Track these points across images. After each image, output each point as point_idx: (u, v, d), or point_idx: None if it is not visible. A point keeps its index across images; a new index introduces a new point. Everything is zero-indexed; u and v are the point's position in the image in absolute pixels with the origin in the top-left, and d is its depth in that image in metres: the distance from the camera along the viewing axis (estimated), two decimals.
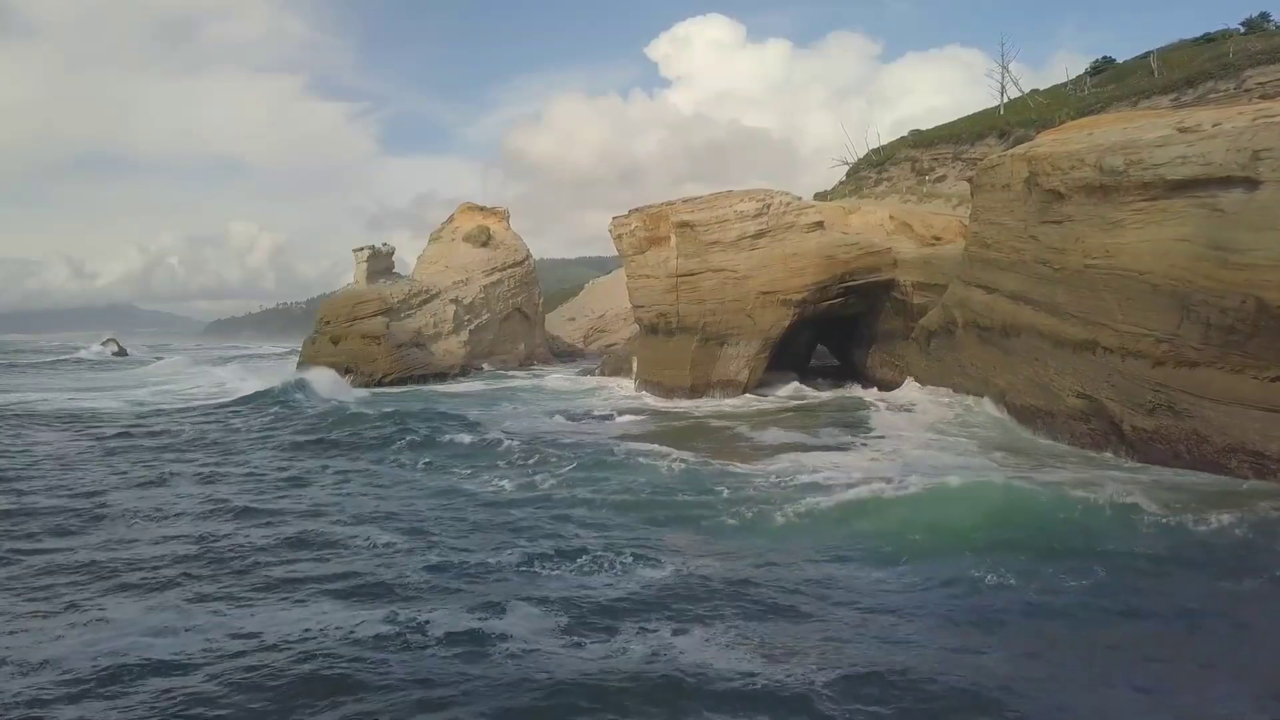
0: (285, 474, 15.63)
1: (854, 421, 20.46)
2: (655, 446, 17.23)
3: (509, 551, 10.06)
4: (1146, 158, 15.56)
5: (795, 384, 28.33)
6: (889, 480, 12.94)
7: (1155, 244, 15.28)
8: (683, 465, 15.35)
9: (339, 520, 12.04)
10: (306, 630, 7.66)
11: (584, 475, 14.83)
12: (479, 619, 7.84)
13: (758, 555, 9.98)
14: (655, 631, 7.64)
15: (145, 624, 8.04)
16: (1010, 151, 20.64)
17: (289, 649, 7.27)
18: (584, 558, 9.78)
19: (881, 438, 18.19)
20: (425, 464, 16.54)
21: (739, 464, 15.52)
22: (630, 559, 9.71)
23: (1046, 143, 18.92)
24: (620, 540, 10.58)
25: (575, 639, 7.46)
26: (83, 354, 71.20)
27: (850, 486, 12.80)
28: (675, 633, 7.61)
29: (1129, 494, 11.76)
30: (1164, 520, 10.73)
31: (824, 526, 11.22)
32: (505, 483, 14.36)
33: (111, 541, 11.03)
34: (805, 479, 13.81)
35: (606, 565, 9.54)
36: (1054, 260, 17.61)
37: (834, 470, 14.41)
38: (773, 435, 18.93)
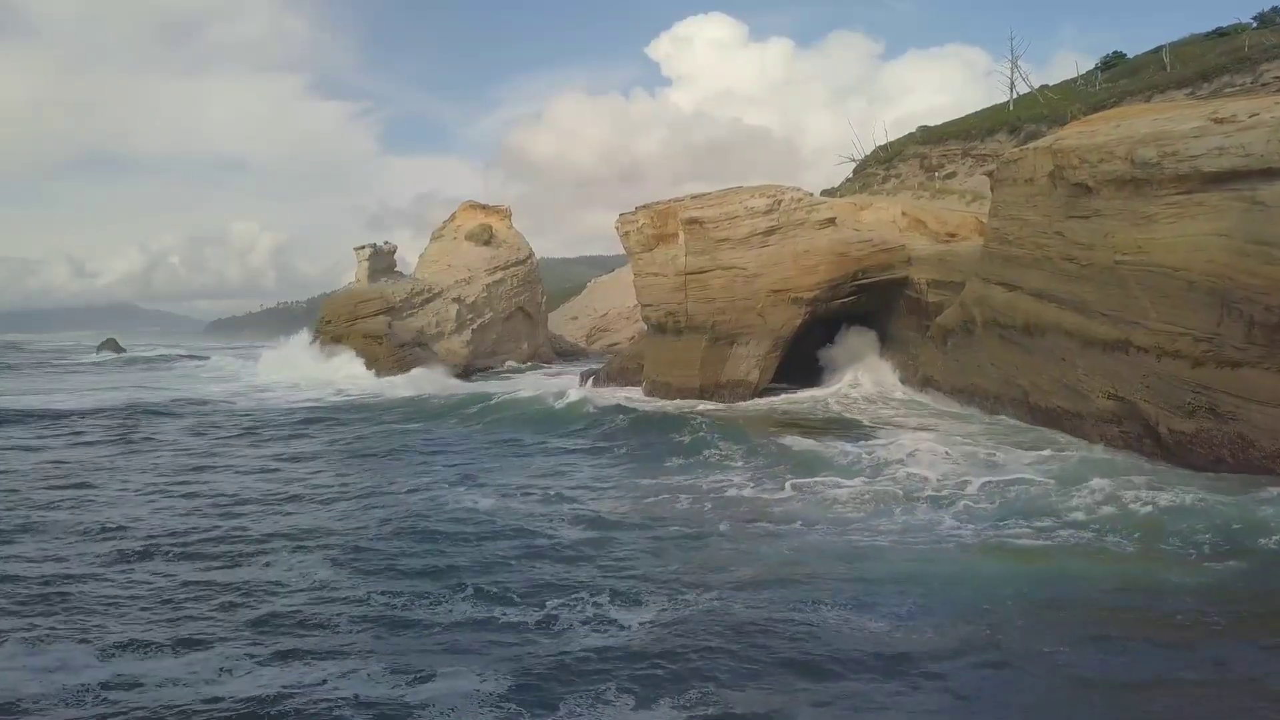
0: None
1: (868, 431, 19.32)
2: (655, 458, 16.40)
3: (463, 590, 8.91)
4: (1181, 149, 14.95)
5: (803, 385, 27.69)
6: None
7: (1191, 239, 14.68)
8: (683, 481, 14.29)
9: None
10: (200, 686, 6.78)
11: (569, 494, 13.83)
12: (402, 683, 6.72)
13: (756, 597, 8.74)
14: (611, 704, 6.50)
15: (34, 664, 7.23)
16: (1033, 145, 20.02)
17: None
18: (552, 598, 8.57)
19: (903, 449, 16.81)
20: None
21: (746, 481, 14.41)
22: (604, 599, 8.53)
23: (1072, 135, 18.29)
24: (596, 576, 9.41)
25: (508, 712, 6.37)
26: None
27: (874, 512, 11.78)
28: (638, 705, 6.49)
29: None
30: None
31: (832, 561, 9.89)
32: (482, 499, 13.22)
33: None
34: (818, 501, 12.82)
35: (573, 608, 8.32)
36: (1081, 256, 16.99)
37: (849, 490, 13.40)
38: (788, 442, 18.17)
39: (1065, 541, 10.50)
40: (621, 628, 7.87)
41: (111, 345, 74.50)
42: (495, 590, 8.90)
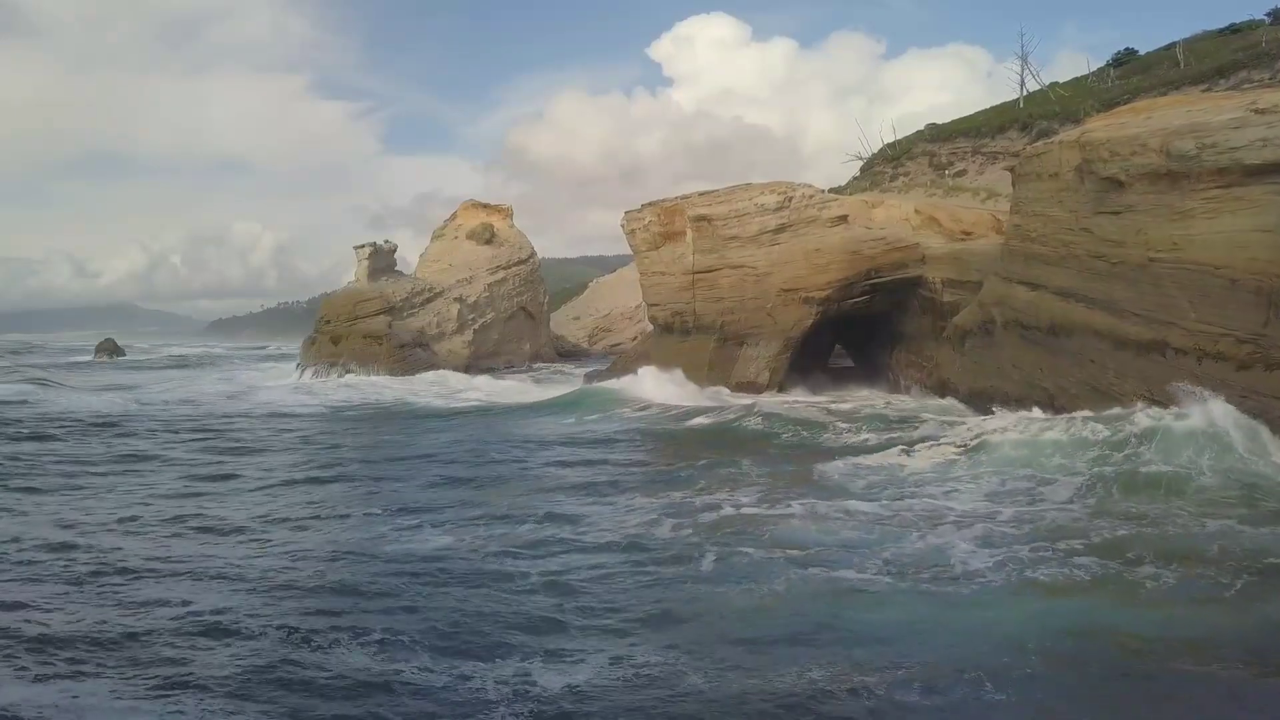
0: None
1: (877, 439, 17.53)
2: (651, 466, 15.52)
3: (367, 635, 7.50)
4: (1221, 141, 14.24)
5: (812, 387, 26.94)
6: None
7: (1231, 235, 13.98)
8: (675, 497, 12.99)
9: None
10: None
11: (547, 516, 12.01)
12: None
13: (725, 656, 7.17)
14: None
15: None
16: (1058, 138, 19.33)
17: None
18: (472, 654, 7.09)
19: (917, 460, 15.12)
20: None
21: (744, 499, 12.79)
22: (534, 660, 7.01)
23: (1101, 127, 17.58)
24: (535, 623, 7.89)
25: None
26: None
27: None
28: None
29: None
30: None
31: (826, 603, 8.29)
32: (440, 536, 11.18)
33: None
34: (818, 519, 11.27)
35: (493, 668, 6.82)
36: (1111, 254, 16.29)
37: (850, 508, 11.74)
38: (794, 450, 17.31)
39: (1097, 573, 8.91)
40: (546, 697, 6.43)
41: (109, 346, 73.38)
42: (406, 640, 7.44)
